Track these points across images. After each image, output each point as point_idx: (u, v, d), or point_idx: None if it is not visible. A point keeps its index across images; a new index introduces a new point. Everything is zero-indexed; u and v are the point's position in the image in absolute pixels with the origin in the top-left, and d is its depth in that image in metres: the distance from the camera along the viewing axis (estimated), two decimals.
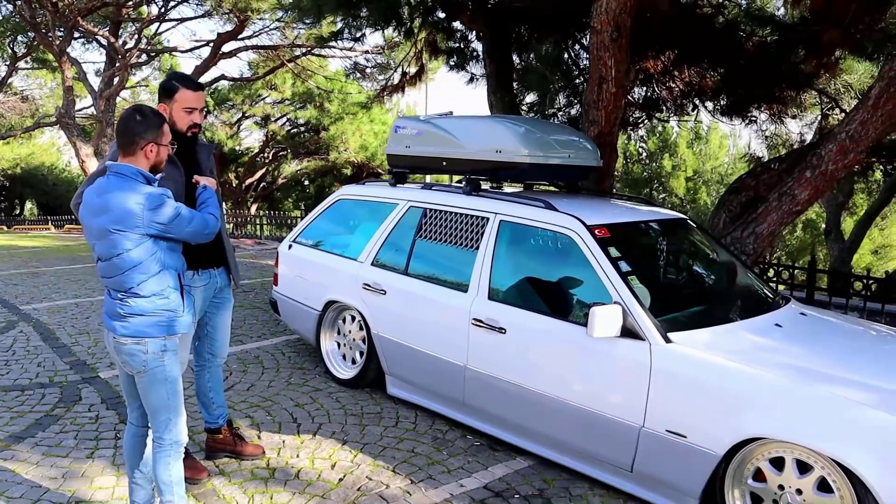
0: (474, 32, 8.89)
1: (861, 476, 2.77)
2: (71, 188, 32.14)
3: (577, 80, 8.69)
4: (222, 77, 19.06)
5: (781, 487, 3.02)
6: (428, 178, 10.55)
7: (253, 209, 23.93)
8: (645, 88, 8.95)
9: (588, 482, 3.70)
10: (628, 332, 3.40)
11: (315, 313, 5.16)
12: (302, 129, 23.74)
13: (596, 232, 3.75)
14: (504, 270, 4.08)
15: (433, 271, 4.45)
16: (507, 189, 4.79)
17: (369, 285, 4.70)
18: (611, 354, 3.45)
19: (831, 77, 7.32)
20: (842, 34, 6.09)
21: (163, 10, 16.99)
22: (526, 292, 4.03)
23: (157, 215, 2.71)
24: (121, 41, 16.99)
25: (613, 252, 3.67)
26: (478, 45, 9.10)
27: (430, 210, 4.59)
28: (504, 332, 3.87)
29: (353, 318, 4.96)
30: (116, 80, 16.53)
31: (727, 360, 3.21)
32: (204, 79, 16.77)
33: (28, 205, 35.77)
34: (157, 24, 17.75)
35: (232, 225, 16.69)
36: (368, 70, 16.77)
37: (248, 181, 25.05)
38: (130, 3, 16.32)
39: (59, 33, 15.87)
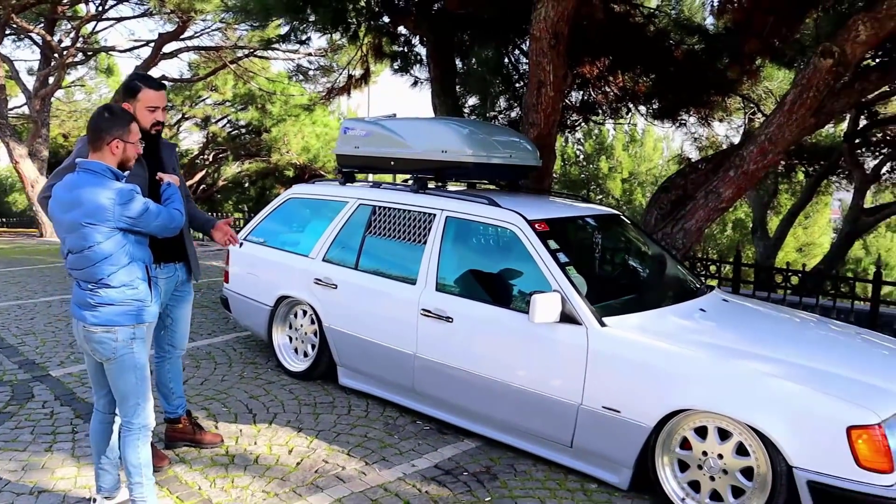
0: (418, 37, 9.13)
1: (772, 439, 3.11)
2: None
3: (518, 84, 9.01)
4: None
5: (705, 453, 3.34)
6: (370, 178, 10.71)
7: None
8: (582, 92, 9.34)
9: (532, 459, 3.98)
10: (567, 317, 3.68)
11: (267, 308, 5.31)
12: (243, 130, 23.56)
13: (536, 226, 4.03)
14: (450, 263, 4.32)
15: (383, 265, 4.66)
16: (452, 187, 5.04)
17: (321, 280, 4.88)
18: (551, 339, 3.73)
19: (752, 83, 7.82)
20: (761, 44, 6.55)
21: (100, 8, 16.70)
22: (471, 283, 4.28)
23: (128, 210, 2.86)
24: (56, 39, 16.63)
25: (552, 244, 3.95)
26: (421, 50, 9.35)
27: (379, 207, 4.80)
28: (451, 321, 4.12)
29: (305, 313, 5.13)
30: (52, 79, 16.18)
31: (655, 341, 3.53)
32: None
33: None
34: (93, 23, 17.43)
35: None
36: (311, 72, 16.85)
37: (189, 183, 24.73)
38: (67, 0, 15.99)
39: None
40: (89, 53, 18.67)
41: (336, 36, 8.51)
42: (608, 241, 4.86)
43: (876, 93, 10.62)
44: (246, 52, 17.04)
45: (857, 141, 12.23)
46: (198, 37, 16.44)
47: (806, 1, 6.19)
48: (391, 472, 3.77)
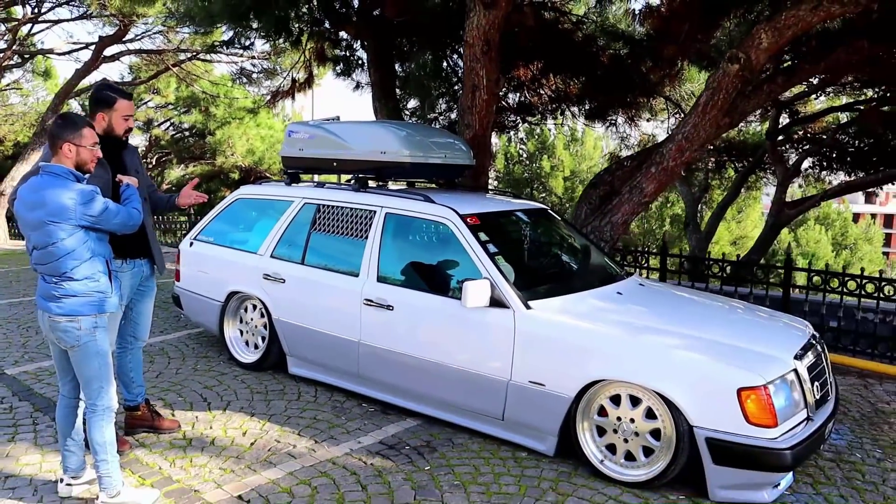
0: (360, 42, 9.43)
1: (676, 403, 3.54)
2: None
3: (456, 87, 9.39)
4: (104, 81, 18.64)
5: (619, 419, 3.76)
6: (316, 178, 10.97)
7: None
8: (518, 94, 9.79)
9: (468, 433, 4.35)
10: (496, 302, 4.06)
11: (218, 304, 5.57)
12: (187, 133, 23.46)
13: (468, 220, 4.41)
14: (390, 256, 4.67)
15: (327, 260, 4.98)
16: (392, 186, 5.38)
17: (269, 275, 5.17)
18: (482, 322, 4.11)
19: (672, 86, 8.36)
20: (678, 49, 7.07)
21: (37, 10, 16.49)
22: (410, 274, 4.63)
23: (89, 209, 3.13)
24: None
25: (482, 236, 4.34)
26: (363, 54, 9.65)
27: (324, 206, 5.11)
28: (392, 309, 4.46)
29: (255, 307, 5.41)
30: None
31: (575, 320, 3.95)
32: (85, 83, 16.39)
33: None
34: (29, 25, 17.19)
35: None
36: (255, 75, 16.95)
37: None
38: (0, 2, 15.77)
39: None
40: (26, 56, 18.38)
41: (279, 41, 8.76)
42: (536, 233, 5.27)
43: (796, 92, 11.39)
44: (189, 55, 17.03)
45: (779, 138, 12.99)
46: (139, 39, 16.37)
47: (716, 10, 6.71)
48: (339, 449, 4.10)
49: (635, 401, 3.72)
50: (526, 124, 12.50)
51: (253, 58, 16.04)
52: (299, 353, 5.13)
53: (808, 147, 13.45)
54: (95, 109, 3.72)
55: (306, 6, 7.94)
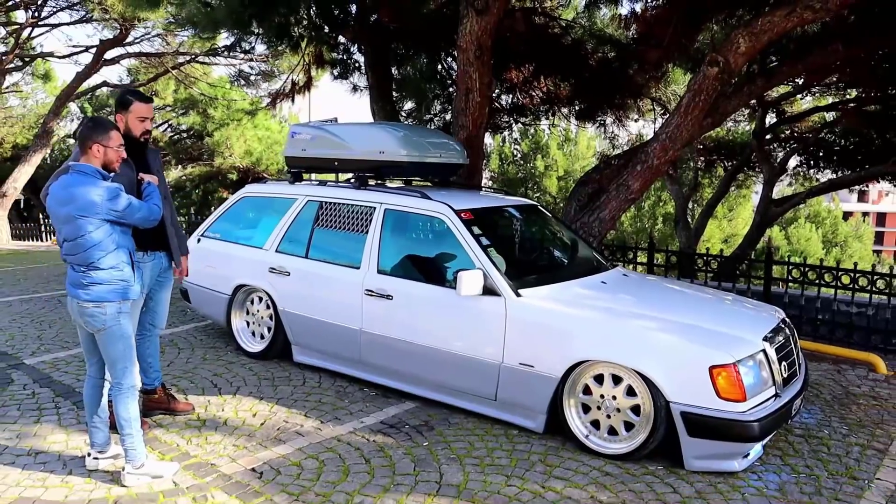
0: (357, 46, 9.74)
1: (654, 380, 3.85)
2: None
3: (451, 90, 9.70)
4: (104, 84, 18.92)
5: (602, 396, 4.08)
6: (313, 177, 11.27)
7: None
8: (511, 96, 10.11)
9: (463, 413, 4.66)
10: (488, 290, 4.37)
11: (225, 297, 5.87)
12: (185, 135, 23.73)
13: (462, 215, 4.72)
14: (389, 249, 4.98)
15: (330, 254, 5.29)
16: (390, 184, 5.70)
17: (275, 269, 5.47)
18: (476, 309, 4.42)
19: (658, 87, 8.69)
20: (663, 53, 7.39)
21: (37, 14, 16.75)
22: (408, 265, 4.95)
23: (114, 205, 3.44)
24: None
25: (476, 230, 4.65)
26: (360, 58, 9.95)
27: (326, 203, 5.42)
28: (391, 299, 4.77)
29: (261, 299, 5.71)
30: None
31: (561, 307, 4.27)
32: (85, 85, 16.67)
33: None
34: (29, 29, 17.45)
35: None
36: (253, 77, 17.26)
37: None
38: (2, 7, 16.02)
39: None
40: (26, 59, 18.64)
41: (280, 45, 9.05)
42: (526, 227, 5.59)
43: (782, 92, 11.73)
44: (187, 58, 17.31)
45: (766, 137, 13.33)
46: (138, 42, 16.65)
47: (697, 16, 7.03)
48: (343, 428, 4.41)
49: (617, 379, 4.03)
50: (519, 125, 12.84)
51: (251, 60, 16.34)
52: (304, 342, 5.43)
53: (794, 146, 13.80)
54: (116, 111, 4.03)
55: (306, 13, 8.25)
